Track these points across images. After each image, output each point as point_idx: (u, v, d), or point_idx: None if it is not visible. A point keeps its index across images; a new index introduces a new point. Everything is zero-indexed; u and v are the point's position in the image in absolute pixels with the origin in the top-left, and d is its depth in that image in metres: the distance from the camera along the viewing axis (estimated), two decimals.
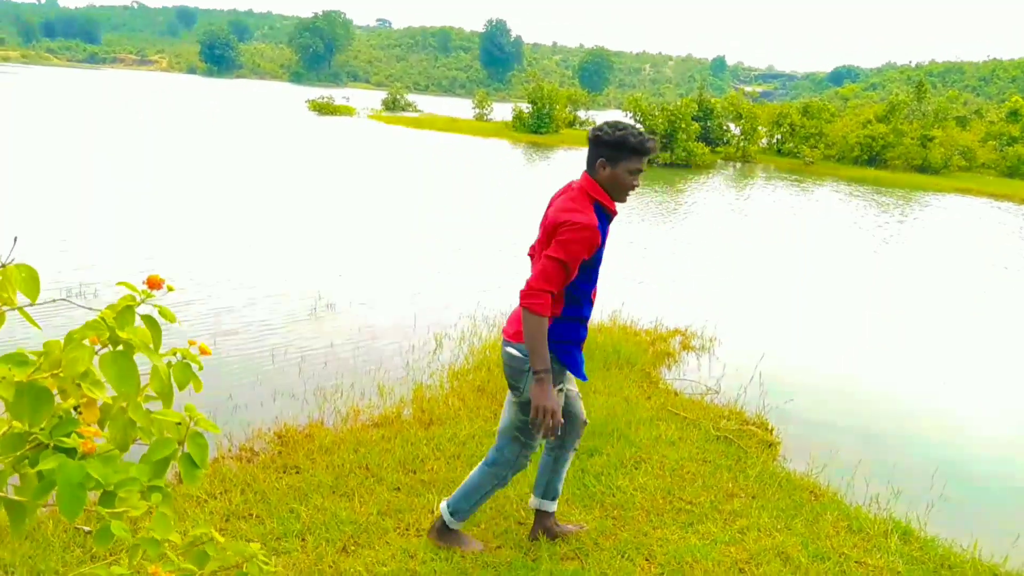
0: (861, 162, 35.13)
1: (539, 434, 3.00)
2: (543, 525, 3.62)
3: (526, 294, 2.93)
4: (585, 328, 3.19)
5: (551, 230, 2.98)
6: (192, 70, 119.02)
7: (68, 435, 1.26)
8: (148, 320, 1.43)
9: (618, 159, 2.96)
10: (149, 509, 1.45)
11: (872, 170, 33.45)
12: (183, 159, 19.67)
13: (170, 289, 1.46)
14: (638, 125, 3.00)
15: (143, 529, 1.52)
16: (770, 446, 5.18)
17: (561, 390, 3.19)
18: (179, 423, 1.48)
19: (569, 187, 3.13)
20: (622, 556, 3.58)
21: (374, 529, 3.59)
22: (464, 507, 3.43)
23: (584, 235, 2.89)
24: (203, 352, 1.56)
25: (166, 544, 1.52)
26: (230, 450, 4.46)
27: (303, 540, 3.48)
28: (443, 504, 3.47)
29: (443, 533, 3.48)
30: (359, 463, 4.23)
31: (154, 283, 1.41)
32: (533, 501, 3.61)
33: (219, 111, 40.06)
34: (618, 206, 3.11)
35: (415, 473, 4.19)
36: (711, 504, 4.15)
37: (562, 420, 3.05)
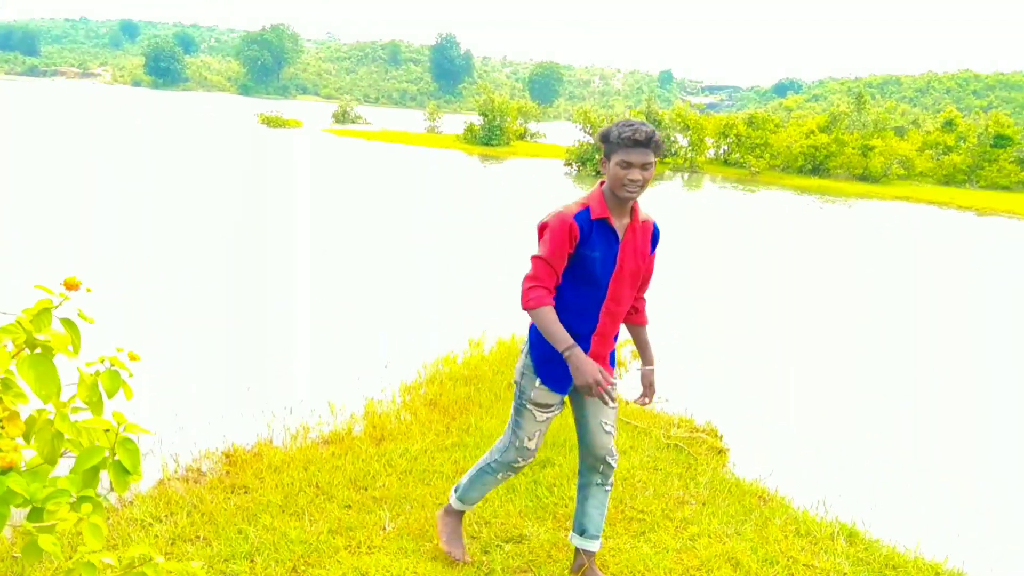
0: (805, 171, 35.97)
1: (599, 398, 2.87)
2: (578, 562, 3.41)
3: (521, 298, 2.97)
4: (574, 334, 3.01)
5: None
6: (137, 83, 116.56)
7: None
8: (67, 323, 1.40)
9: (609, 153, 2.92)
10: (80, 520, 1.40)
11: (816, 179, 34.28)
12: (128, 171, 19.26)
13: (88, 291, 1.43)
14: (635, 120, 2.89)
15: (78, 550, 1.47)
16: (720, 453, 5.25)
17: (547, 396, 3.13)
18: (108, 430, 1.44)
19: None
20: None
21: (325, 548, 3.55)
22: (464, 488, 3.47)
23: (553, 226, 2.93)
24: (132, 359, 1.53)
25: (101, 565, 1.48)
26: (176, 471, 4.37)
27: (252, 561, 3.42)
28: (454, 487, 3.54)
29: (444, 513, 3.56)
30: (309, 481, 4.18)
31: (71, 285, 1.37)
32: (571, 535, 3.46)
33: (166, 123, 39.34)
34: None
35: (366, 490, 4.15)
36: (662, 512, 4.19)
37: (610, 382, 2.93)
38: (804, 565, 3.81)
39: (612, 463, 3.27)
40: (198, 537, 3.59)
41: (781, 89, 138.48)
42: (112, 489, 1.44)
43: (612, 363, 3.28)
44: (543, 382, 3.13)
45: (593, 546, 3.36)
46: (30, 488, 1.23)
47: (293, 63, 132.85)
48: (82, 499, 1.36)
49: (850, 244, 17.98)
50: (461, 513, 3.58)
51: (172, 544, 3.51)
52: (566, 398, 3.24)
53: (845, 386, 7.40)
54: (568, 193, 23.89)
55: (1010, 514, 5.06)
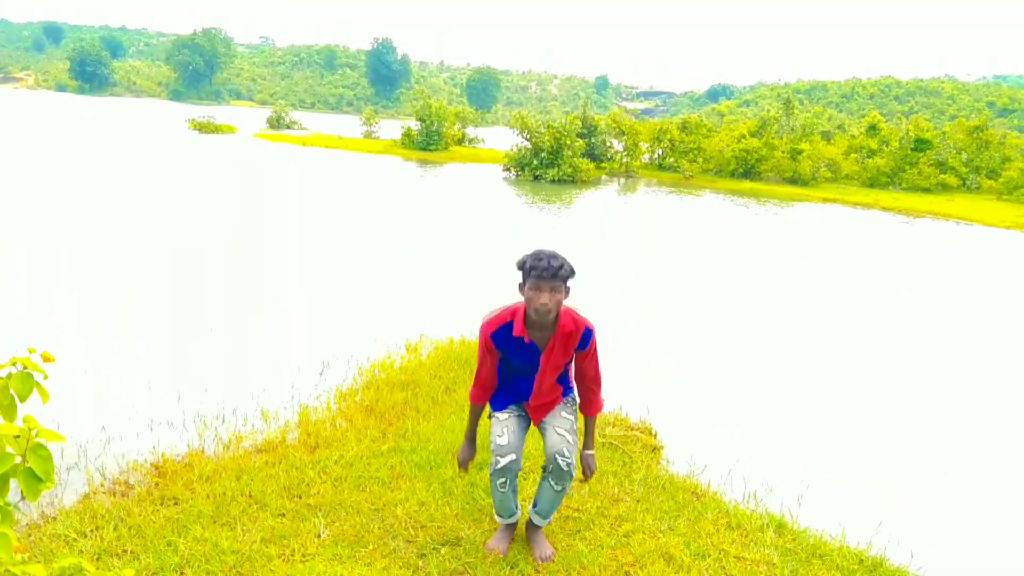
0: (737, 175, 36.78)
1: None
2: (529, 527, 3.85)
3: None
4: (516, 397, 3.65)
5: None
6: (62, 88, 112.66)
7: None
8: None
9: (523, 281, 3.31)
10: None
11: (747, 182, 35.09)
12: (50, 178, 18.60)
13: None
14: (547, 251, 3.22)
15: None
16: (654, 450, 5.35)
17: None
18: (18, 436, 1.39)
19: None
20: (511, 567, 3.61)
21: (258, 557, 3.50)
22: (497, 509, 3.77)
23: (480, 336, 3.51)
24: (45, 360, 1.48)
25: None
26: (103, 484, 4.25)
27: (182, 574, 3.35)
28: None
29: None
30: (242, 491, 4.11)
31: None
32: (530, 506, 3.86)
33: (91, 129, 38.08)
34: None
35: (300, 498, 4.10)
36: (597, 510, 4.25)
37: (467, 468, 3.82)
38: (735, 557, 3.90)
39: (562, 464, 3.51)
40: (125, 551, 3.50)
41: (714, 95, 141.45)
42: (23, 498, 1.39)
43: (567, 392, 3.74)
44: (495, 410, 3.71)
45: (541, 522, 3.77)
46: None
47: (226, 68, 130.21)
48: None
49: (782, 245, 18.48)
50: (511, 526, 3.81)
51: (98, 559, 3.42)
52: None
53: (774, 384, 7.60)
54: (505, 197, 23.97)
55: (926, 502, 5.27)
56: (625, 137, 37.80)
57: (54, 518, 3.77)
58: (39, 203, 15.01)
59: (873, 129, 46.35)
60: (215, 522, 3.78)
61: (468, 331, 7.68)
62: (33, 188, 17.12)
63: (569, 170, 30.60)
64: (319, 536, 3.72)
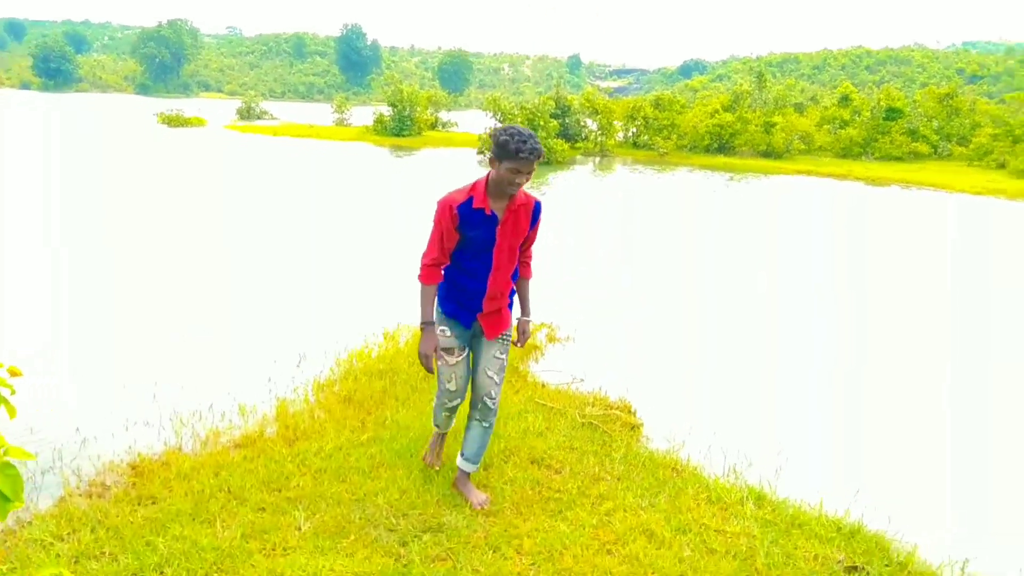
0: (712, 150, 36.85)
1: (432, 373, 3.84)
2: (458, 477, 4.11)
3: (419, 271, 3.71)
4: (470, 299, 3.75)
5: None
6: (26, 85, 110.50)
7: None
8: None
9: (500, 159, 3.46)
10: None
11: (722, 157, 35.17)
12: (14, 178, 18.29)
13: None
14: (526, 132, 3.39)
15: None
16: (634, 428, 5.37)
17: (450, 341, 3.80)
18: None
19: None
20: (493, 551, 3.62)
21: (238, 553, 3.48)
22: (436, 421, 4.19)
23: (439, 210, 3.59)
24: (12, 374, 1.45)
25: None
26: (78, 487, 4.21)
27: (161, 573, 3.33)
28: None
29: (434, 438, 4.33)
30: (220, 487, 4.08)
31: None
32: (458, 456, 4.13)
33: (57, 125, 37.43)
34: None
35: (280, 491, 4.08)
36: (578, 490, 4.26)
37: (432, 366, 3.74)
38: (715, 531, 3.94)
39: (489, 403, 3.89)
40: (103, 553, 3.47)
41: (687, 70, 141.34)
42: None
43: (510, 311, 3.95)
44: (446, 323, 3.80)
45: (468, 468, 4.04)
46: None
47: (194, 60, 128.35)
48: None
49: (756, 220, 18.56)
50: (443, 436, 4.30)
51: (76, 562, 3.39)
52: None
53: (751, 358, 7.66)
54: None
55: (903, 469, 5.35)
56: (599, 116, 37.70)
57: (30, 523, 3.73)
58: (2, 202, 14.75)
59: (845, 100, 46.54)
60: (194, 520, 3.75)
61: None
62: (9, 185, 16.83)
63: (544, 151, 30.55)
64: (300, 529, 3.70)
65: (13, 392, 1.44)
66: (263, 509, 3.89)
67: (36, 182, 18.12)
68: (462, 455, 4.03)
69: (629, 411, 5.64)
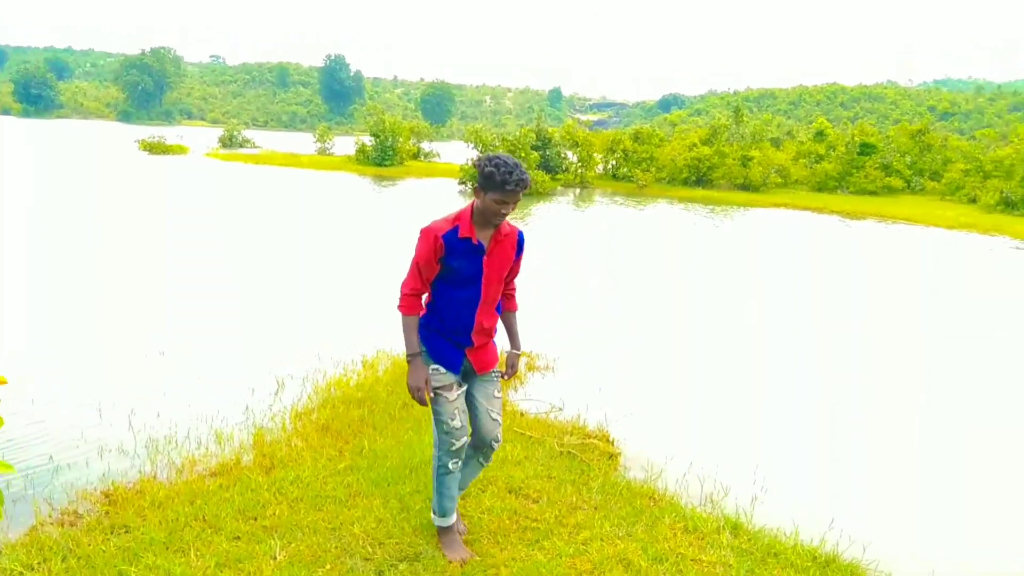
0: (690, 183, 37.30)
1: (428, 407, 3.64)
2: None
3: (399, 301, 3.60)
4: (457, 333, 3.62)
5: None
6: (6, 111, 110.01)
7: None
8: None
9: (486, 189, 3.40)
10: None
11: (700, 190, 35.62)
12: None
13: None
14: (511, 162, 3.37)
15: None
16: (611, 457, 5.39)
17: (446, 378, 3.61)
18: None
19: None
20: None
21: None
22: (436, 503, 3.79)
23: (423, 239, 3.50)
24: None
25: None
26: (50, 515, 4.15)
27: None
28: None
29: (440, 535, 3.86)
30: (195, 515, 4.04)
31: None
32: None
33: (37, 152, 37.20)
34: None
35: (256, 520, 4.04)
36: (556, 519, 4.26)
37: (425, 399, 3.56)
38: (692, 560, 3.95)
39: (495, 447, 3.81)
40: None
41: (665, 104, 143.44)
42: None
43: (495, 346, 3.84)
44: (435, 361, 3.62)
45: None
46: None
47: (176, 87, 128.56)
48: None
49: (734, 252, 18.77)
50: (451, 526, 3.84)
51: None
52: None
53: (729, 387, 7.70)
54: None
55: (878, 498, 5.39)
56: (579, 148, 38.14)
57: (0, 552, 3.67)
58: None
59: (820, 135, 47.39)
60: (168, 548, 3.71)
61: None
62: None
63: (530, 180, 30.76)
64: (275, 558, 3.67)
65: None
66: (238, 538, 3.85)
67: (12, 206, 17.98)
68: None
69: (607, 440, 5.65)
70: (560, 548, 3.95)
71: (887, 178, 38.10)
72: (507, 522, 4.19)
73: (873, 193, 36.94)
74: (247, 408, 5.95)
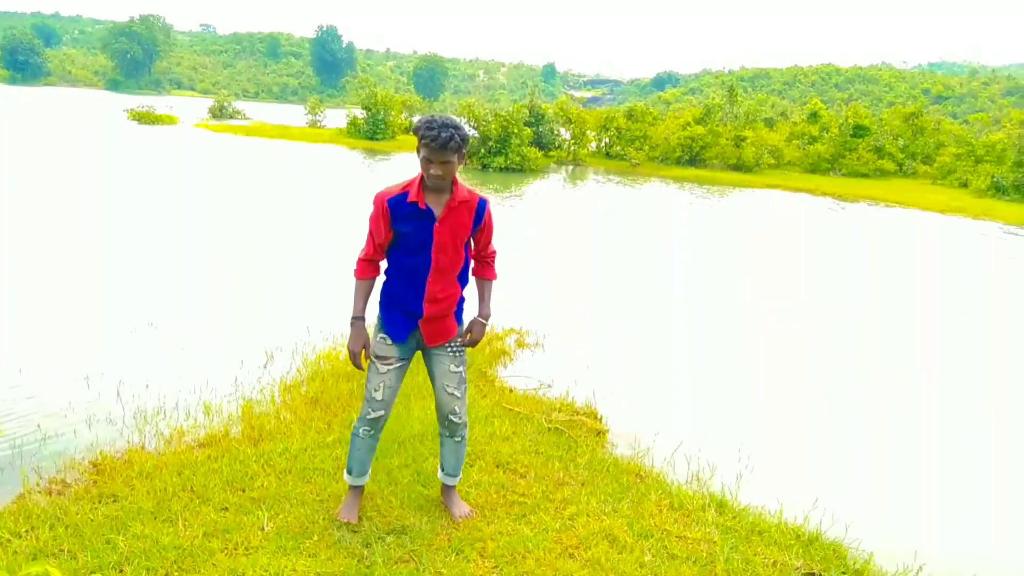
0: (683, 162, 37.24)
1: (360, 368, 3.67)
2: (444, 492, 4.04)
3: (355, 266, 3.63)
4: (407, 301, 3.58)
5: None
6: None
7: None
8: None
9: (418, 147, 3.35)
10: None
11: (693, 169, 35.56)
12: None
13: None
14: (454, 120, 3.31)
15: None
16: (599, 434, 5.42)
17: (388, 349, 3.63)
18: None
19: None
20: (456, 554, 3.63)
21: (199, 552, 3.46)
22: (350, 464, 3.81)
23: (374, 205, 3.50)
24: None
25: None
26: (38, 484, 4.15)
27: (121, 571, 3.30)
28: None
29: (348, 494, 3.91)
30: (183, 485, 4.05)
31: None
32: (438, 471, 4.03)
33: (23, 118, 36.76)
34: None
35: (244, 491, 4.06)
36: (543, 494, 4.30)
37: (361, 363, 3.61)
38: (677, 537, 3.99)
39: (455, 420, 3.76)
40: (62, 551, 3.43)
41: (660, 83, 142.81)
42: None
43: (459, 321, 3.75)
44: (383, 330, 3.64)
45: (451, 481, 3.96)
46: None
47: (166, 56, 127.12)
48: None
49: (724, 230, 18.80)
50: (359, 488, 3.87)
51: (33, 559, 3.34)
52: (414, 361, 3.81)
53: (715, 365, 7.75)
54: None
55: (861, 477, 5.45)
56: (572, 125, 38.00)
57: None
58: None
59: (814, 116, 47.37)
60: (156, 518, 3.72)
61: None
62: None
63: (517, 159, 30.65)
64: (263, 529, 3.69)
65: None
66: (226, 509, 3.87)
67: (3, 174, 17.79)
68: (442, 470, 3.94)
69: (595, 417, 5.69)
70: (547, 523, 3.98)
71: (879, 161, 38.16)
72: (495, 496, 4.22)
73: (865, 176, 37.01)
74: (236, 380, 5.94)
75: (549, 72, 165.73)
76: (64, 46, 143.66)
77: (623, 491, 4.44)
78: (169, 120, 43.93)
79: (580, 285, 10.96)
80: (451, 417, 3.74)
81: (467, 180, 26.18)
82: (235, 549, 3.52)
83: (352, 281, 3.67)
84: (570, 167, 35.55)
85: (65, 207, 14.21)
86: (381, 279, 3.72)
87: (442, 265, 3.52)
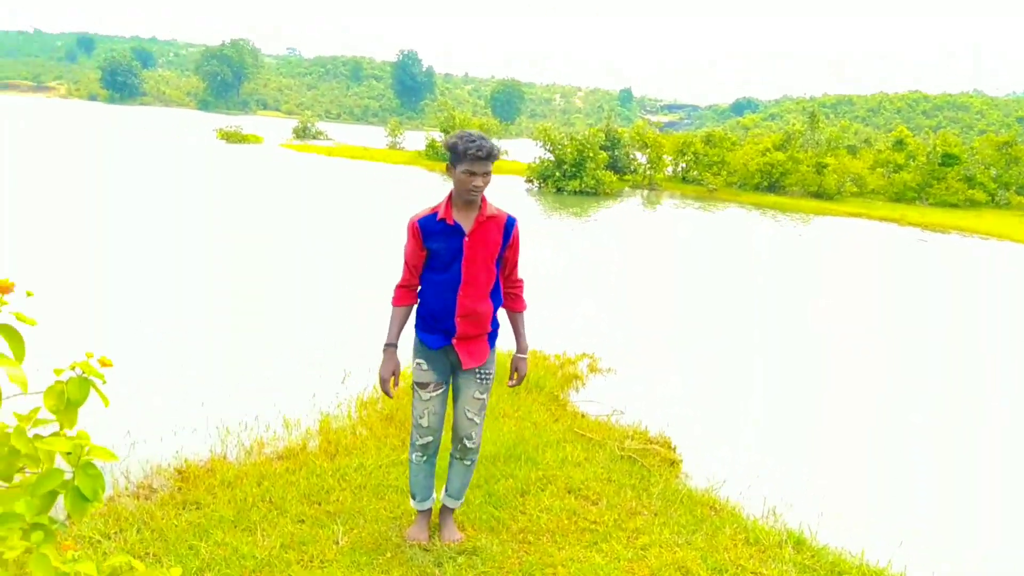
0: (761, 188, 36.62)
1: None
2: (441, 514, 3.98)
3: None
4: (440, 318, 3.62)
5: None
6: (93, 97, 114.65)
7: None
8: (4, 329, 1.31)
9: (455, 164, 3.43)
10: (28, 550, 1.35)
11: (771, 196, 34.91)
12: (82, 183, 18.93)
13: (28, 294, 1.38)
14: (475, 134, 3.42)
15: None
16: (673, 464, 5.33)
17: (426, 375, 3.68)
18: (70, 452, 1.39)
19: None
20: None
21: (276, 563, 3.54)
22: (412, 489, 3.85)
23: (407, 232, 3.59)
24: (103, 364, 1.48)
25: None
26: (127, 488, 4.32)
27: None
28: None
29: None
30: (262, 496, 4.16)
31: (3, 288, 1.30)
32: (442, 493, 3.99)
33: (120, 137, 38.65)
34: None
35: (320, 505, 4.14)
36: (615, 523, 4.24)
37: (391, 390, 3.64)
38: (752, 572, 3.89)
39: (469, 444, 3.76)
40: (147, 554, 3.55)
41: (739, 108, 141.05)
42: (68, 517, 1.40)
43: (492, 346, 3.76)
44: (419, 353, 3.71)
45: (452, 504, 3.93)
46: None
47: (253, 78, 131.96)
48: (34, 526, 1.30)
49: (805, 259, 18.35)
50: (426, 512, 3.89)
51: None
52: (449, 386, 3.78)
53: (796, 397, 7.55)
54: (527, 207, 24.08)
55: (949, 521, 5.21)
56: (649, 150, 37.78)
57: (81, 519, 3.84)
58: (76, 209, 15.27)
59: (900, 143, 45.94)
60: (236, 527, 3.83)
61: None
62: (71, 194, 17.43)
63: (592, 182, 30.63)
64: (337, 543, 3.75)
65: (104, 381, 1.47)
66: (302, 521, 3.95)
67: (104, 191, 18.72)
68: (446, 491, 3.91)
69: (669, 446, 5.60)
70: (618, 552, 3.93)
71: (970, 191, 36.76)
72: (566, 522, 4.19)
73: (954, 206, 35.67)
74: (314, 395, 6.08)
75: (626, 97, 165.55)
76: (159, 68, 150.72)
77: (697, 523, 4.36)
78: (255, 139, 45.55)
79: (656, 311, 10.85)
80: (466, 441, 3.74)
81: (542, 203, 26.17)
82: (310, 561, 3.59)
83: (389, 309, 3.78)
84: (645, 191, 35.34)
85: (159, 221, 14.84)
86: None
87: (472, 278, 3.55)
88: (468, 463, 3.82)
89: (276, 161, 33.80)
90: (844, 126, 71.55)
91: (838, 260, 18.83)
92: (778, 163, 36.76)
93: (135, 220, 14.82)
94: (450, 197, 3.54)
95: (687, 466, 5.41)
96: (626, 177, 36.36)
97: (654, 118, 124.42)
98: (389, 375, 3.63)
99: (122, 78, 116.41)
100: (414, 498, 3.85)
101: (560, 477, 4.73)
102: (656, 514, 4.41)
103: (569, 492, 4.57)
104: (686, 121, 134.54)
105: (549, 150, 32.07)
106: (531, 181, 32.16)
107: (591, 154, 31.35)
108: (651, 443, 5.55)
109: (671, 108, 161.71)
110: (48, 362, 1.67)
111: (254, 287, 10.11)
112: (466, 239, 3.51)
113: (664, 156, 38.56)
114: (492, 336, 3.75)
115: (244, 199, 19.97)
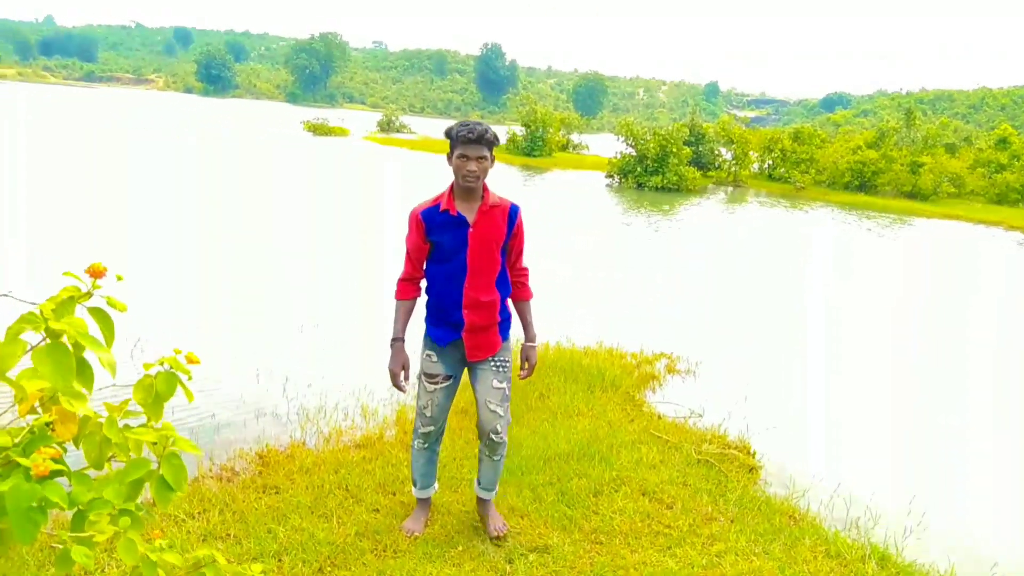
0: (852, 187, 35.36)
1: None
2: (480, 505, 3.97)
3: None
4: (447, 311, 3.61)
5: None
6: (189, 90, 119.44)
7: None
8: (96, 313, 1.34)
9: (451, 151, 3.45)
10: (116, 535, 1.39)
11: (862, 195, 33.67)
12: (172, 174, 19.71)
13: (118, 279, 1.41)
14: (473, 121, 3.55)
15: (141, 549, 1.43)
16: (751, 470, 5.19)
17: (434, 367, 3.71)
18: (156, 443, 1.44)
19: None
20: None
21: (351, 550, 3.59)
22: (413, 476, 3.88)
23: (408, 223, 3.56)
24: (190, 361, 1.52)
25: (165, 565, 1.45)
26: (211, 469, 4.46)
27: (280, 560, 3.48)
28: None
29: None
30: (339, 484, 4.24)
31: (96, 272, 1.33)
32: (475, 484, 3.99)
33: (214, 127, 40.10)
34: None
35: (395, 495, 4.19)
36: (689, 527, 4.16)
37: (402, 384, 3.68)
38: None
39: (495, 438, 3.68)
40: (228, 535, 3.66)
41: (829, 104, 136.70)
42: (154, 504, 1.45)
43: (504, 336, 3.74)
44: (428, 345, 3.73)
45: (487, 495, 3.90)
46: (75, 492, 1.24)
47: (340, 72, 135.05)
48: (122, 512, 1.35)
49: (899, 263, 17.65)
50: (425, 502, 3.93)
51: (203, 541, 3.59)
52: (463, 378, 3.83)
53: (882, 406, 7.26)
54: (604, 203, 23.88)
55: None
56: (734, 146, 36.92)
57: None
58: (173, 197, 15.92)
59: (1003, 142, 43.59)
60: (312, 513, 3.91)
61: (563, 337, 7.68)
62: (170, 183, 18.18)
63: (674, 178, 30.11)
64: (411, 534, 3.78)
65: (190, 378, 1.51)
66: (377, 510, 4.00)
67: (193, 181, 19.45)
68: (478, 483, 3.89)
69: (748, 452, 5.46)
70: (692, 558, 3.85)
71: None
72: (639, 525, 4.13)
73: None
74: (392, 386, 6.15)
75: (712, 91, 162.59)
76: (251, 61, 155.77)
77: (775, 532, 4.23)
78: (340, 132, 46.57)
79: (738, 312, 10.61)
80: (492, 436, 3.67)
81: (621, 199, 25.88)
82: (384, 551, 3.63)
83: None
84: (729, 188, 34.60)
85: (247, 210, 15.33)
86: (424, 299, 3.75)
87: (478, 268, 3.53)
88: (497, 458, 3.78)
89: (359, 153, 34.46)
90: (943, 123, 68.39)
91: (938, 264, 18.04)
92: (870, 161, 35.41)
93: (227, 210, 15.34)
94: (451, 188, 3.53)
95: (766, 473, 5.26)
96: (710, 173, 35.64)
97: (740, 113, 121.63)
98: (399, 369, 3.66)
99: (216, 71, 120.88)
100: (415, 485, 3.88)
101: (634, 479, 4.67)
102: (732, 521, 4.30)
103: (643, 494, 4.50)
104: (774, 116, 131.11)
105: (631, 144, 31.68)
106: (611, 176, 31.85)
107: (674, 149, 30.83)
108: (729, 448, 5.42)
109: (758, 103, 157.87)
110: (140, 348, 1.72)
111: (336, 273, 10.32)
112: (470, 230, 3.49)
113: (750, 152, 37.60)
114: (504, 325, 3.73)
115: (328, 188, 20.42)
